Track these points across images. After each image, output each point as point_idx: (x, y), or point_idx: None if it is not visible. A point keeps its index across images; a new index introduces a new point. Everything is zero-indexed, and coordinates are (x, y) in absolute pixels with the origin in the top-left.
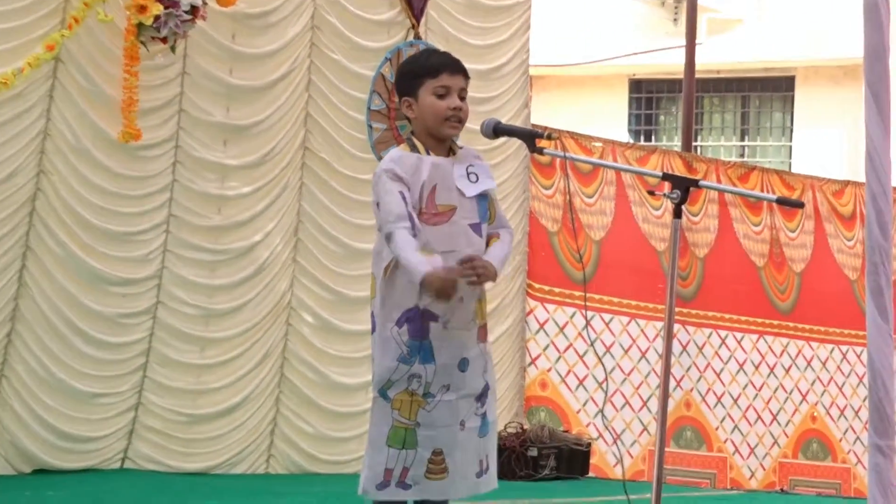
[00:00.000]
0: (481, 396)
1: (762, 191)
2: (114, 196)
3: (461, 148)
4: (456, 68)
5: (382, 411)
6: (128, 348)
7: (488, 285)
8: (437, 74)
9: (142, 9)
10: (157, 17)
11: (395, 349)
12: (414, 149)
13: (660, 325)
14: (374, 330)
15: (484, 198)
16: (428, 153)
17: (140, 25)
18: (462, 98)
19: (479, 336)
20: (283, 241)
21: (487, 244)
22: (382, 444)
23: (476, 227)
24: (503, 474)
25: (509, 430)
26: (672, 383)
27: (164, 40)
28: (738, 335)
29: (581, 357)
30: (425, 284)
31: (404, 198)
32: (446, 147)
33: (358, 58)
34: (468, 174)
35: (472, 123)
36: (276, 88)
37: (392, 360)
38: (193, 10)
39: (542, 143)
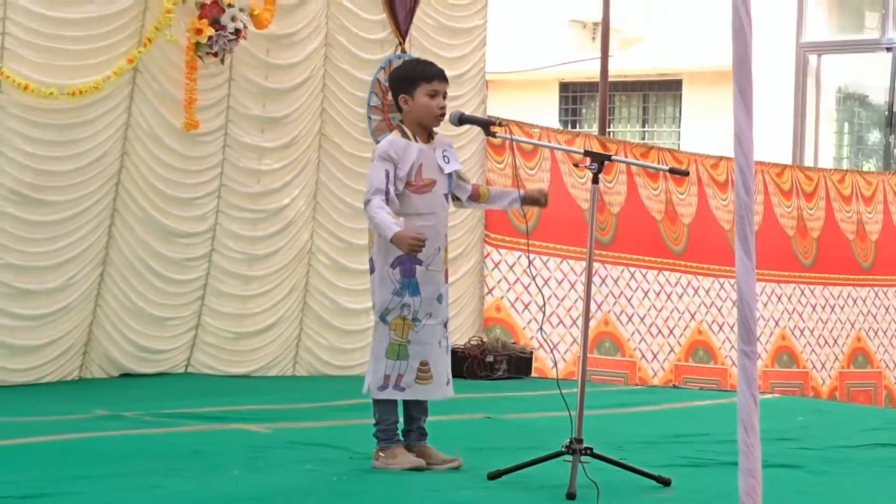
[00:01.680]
0: (446, 324)
1: (658, 164)
2: (179, 171)
3: (436, 134)
4: (444, 77)
5: (382, 332)
6: (190, 284)
7: (454, 235)
8: (430, 80)
9: (198, 31)
10: (210, 38)
11: (390, 285)
12: (404, 135)
13: (584, 263)
14: (372, 271)
15: (450, 175)
16: (415, 139)
17: (197, 44)
18: (444, 99)
19: (445, 278)
20: (306, 203)
21: (477, 192)
22: (382, 356)
23: (446, 196)
24: (468, 375)
25: (472, 342)
26: (594, 306)
27: (215, 55)
28: (644, 271)
29: (526, 288)
30: (395, 240)
31: (387, 175)
32: (427, 134)
33: (360, 67)
34: (443, 157)
35: None
36: (299, 90)
37: (388, 294)
38: (237, 32)
39: (495, 129)
